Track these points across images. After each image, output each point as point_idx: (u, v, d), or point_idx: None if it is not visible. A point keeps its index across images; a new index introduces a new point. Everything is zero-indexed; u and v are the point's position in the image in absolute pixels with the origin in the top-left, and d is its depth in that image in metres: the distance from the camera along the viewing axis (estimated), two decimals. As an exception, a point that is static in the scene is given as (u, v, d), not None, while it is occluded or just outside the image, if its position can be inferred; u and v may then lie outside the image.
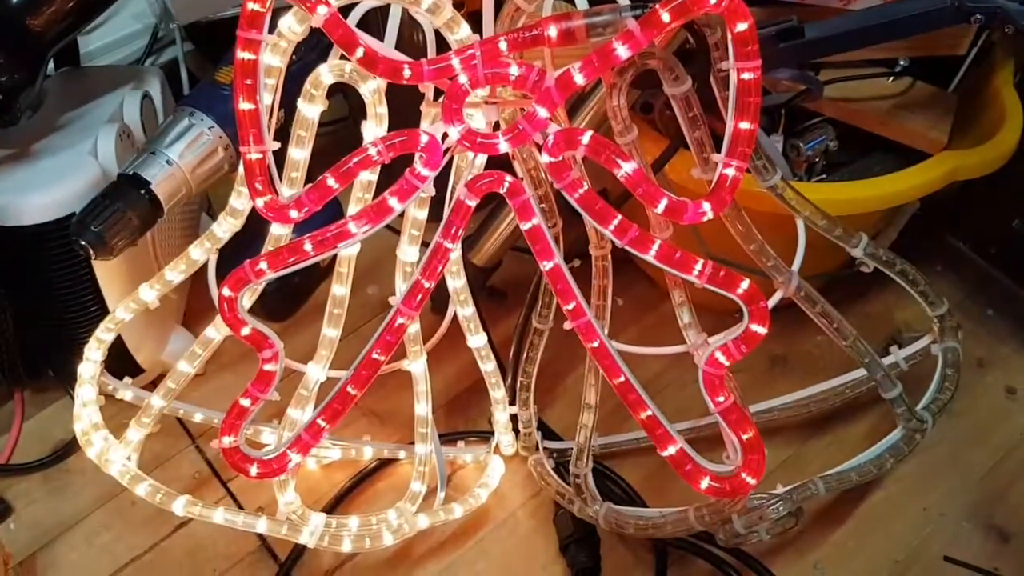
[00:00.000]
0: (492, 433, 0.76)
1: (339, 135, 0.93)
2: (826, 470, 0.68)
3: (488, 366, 0.69)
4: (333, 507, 0.74)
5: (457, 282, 0.64)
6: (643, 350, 0.59)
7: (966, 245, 0.89)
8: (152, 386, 0.81)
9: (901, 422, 0.60)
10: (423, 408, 0.64)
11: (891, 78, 0.76)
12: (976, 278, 0.89)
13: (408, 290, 0.54)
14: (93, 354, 0.67)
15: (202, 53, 1.05)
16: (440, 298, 0.76)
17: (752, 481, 0.55)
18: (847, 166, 0.77)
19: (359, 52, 0.49)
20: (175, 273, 0.63)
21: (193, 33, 1.04)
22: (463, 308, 0.66)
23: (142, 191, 0.63)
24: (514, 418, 0.74)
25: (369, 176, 0.57)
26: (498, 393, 0.71)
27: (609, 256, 0.59)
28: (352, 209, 0.57)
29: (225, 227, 0.60)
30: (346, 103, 0.92)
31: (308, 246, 0.53)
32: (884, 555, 0.71)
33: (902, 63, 0.75)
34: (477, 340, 0.67)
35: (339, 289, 0.60)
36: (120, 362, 0.73)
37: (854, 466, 0.60)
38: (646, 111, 0.69)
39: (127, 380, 0.73)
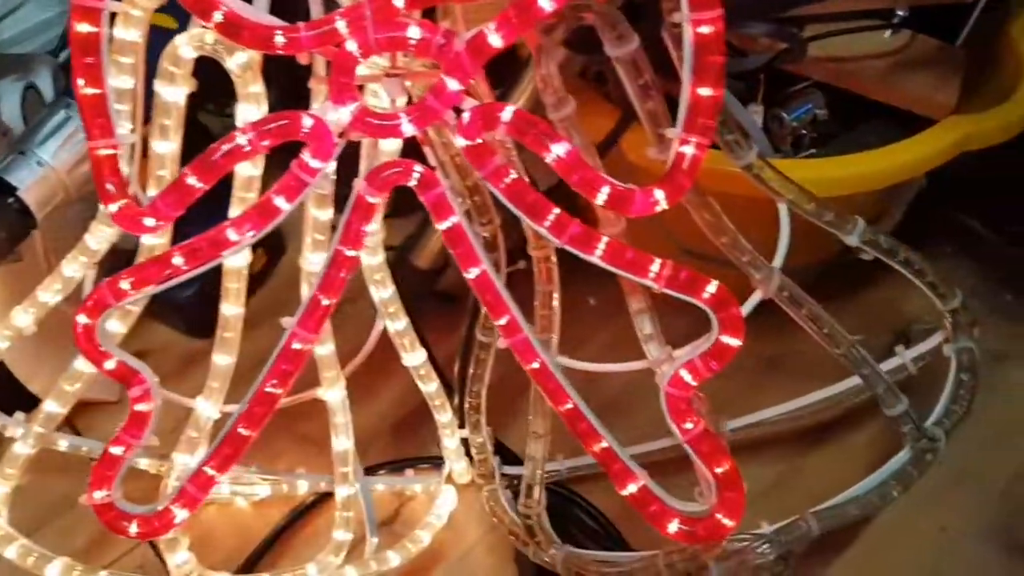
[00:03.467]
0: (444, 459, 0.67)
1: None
2: (825, 485, 0.59)
3: (430, 386, 0.60)
4: (264, 551, 0.65)
5: (383, 293, 0.55)
6: (597, 367, 0.50)
7: (979, 223, 0.81)
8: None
9: (908, 441, 0.51)
10: (343, 444, 0.55)
11: (888, 32, 0.66)
12: (992, 260, 0.80)
13: (303, 309, 0.45)
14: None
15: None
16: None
17: (729, 523, 0.46)
18: (839, 138, 0.68)
19: (217, 16, 0.39)
20: (49, 294, 0.54)
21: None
22: (394, 322, 0.57)
23: (9, 199, 0.55)
24: (465, 442, 0.65)
25: (251, 171, 0.47)
26: (444, 416, 0.62)
27: (554, 256, 0.49)
28: (232, 211, 0.48)
29: (99, 237, 0.51)
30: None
31: (178, 259, 0.44)
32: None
33: (900, 13, 0.65)
34: (414, 358, 0.59)
35: (229, 308, 0.50)
36: (10, 394, 0.63)
37: (853, 497, 0.51)
38: (600, 82, 0.59)
39: (19, 416, 0.63)
